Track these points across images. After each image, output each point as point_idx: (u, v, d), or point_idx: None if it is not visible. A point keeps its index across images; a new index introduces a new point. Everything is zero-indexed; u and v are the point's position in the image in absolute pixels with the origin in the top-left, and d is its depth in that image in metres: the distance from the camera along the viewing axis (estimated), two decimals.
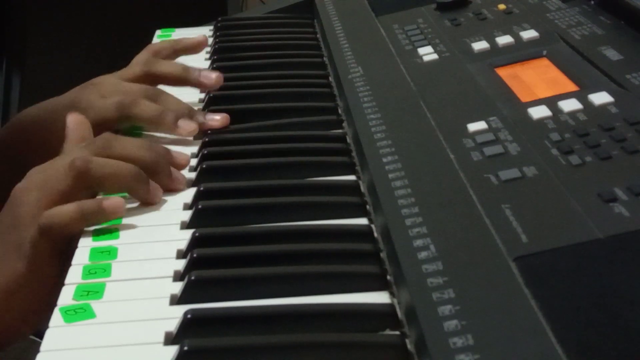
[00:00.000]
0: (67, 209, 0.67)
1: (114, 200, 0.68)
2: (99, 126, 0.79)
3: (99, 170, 0.69)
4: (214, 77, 0.90)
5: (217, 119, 0.84)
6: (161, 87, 0.89)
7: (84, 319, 0.57)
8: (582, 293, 0.50)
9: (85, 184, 0.69)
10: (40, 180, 0.70)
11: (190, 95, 0.93)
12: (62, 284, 0.62)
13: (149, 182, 0.72)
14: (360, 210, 0.69)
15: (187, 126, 0.83)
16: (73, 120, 0.77)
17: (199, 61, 1.05)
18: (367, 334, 0.56)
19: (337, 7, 1.10)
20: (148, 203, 0.72)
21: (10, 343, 0.71)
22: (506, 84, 0.77)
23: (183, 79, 0.90)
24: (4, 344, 0.70)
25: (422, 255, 0.56)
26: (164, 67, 0.90)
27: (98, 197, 0.71)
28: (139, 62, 0.89)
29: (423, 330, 0.50)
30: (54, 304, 0.59)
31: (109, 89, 0.85)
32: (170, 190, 0.74)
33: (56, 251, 0.67)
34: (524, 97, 0.73)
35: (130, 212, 0.71)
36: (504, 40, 0.86)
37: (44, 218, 0.66)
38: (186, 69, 0.90)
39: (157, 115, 0.82)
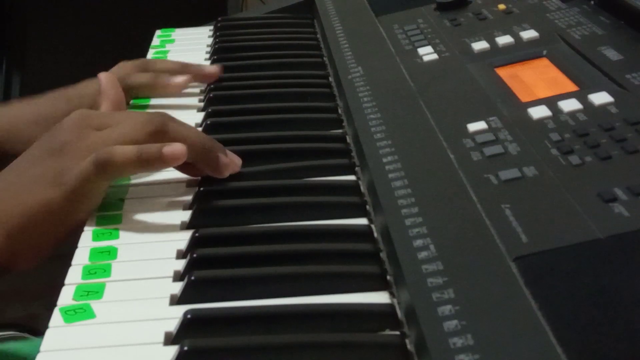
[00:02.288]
0: (128, 149, 0.66)
1: (174, 147, 0.67)
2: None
3: (176, 130, 0.69)
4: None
5: (211, 69, 0.95)
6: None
7: (83, 319, 0.57)
8: (582, 293, 0.50)
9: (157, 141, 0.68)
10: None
11: (190, 95, 0.93)
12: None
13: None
14: (360, 210, 0.69)
15: (178, 79, 0.91)
16: (106, 78, 0.81)
17: (199, 62, 1.05)
18: (367, 334, 0.56)
19: (337, 7, 1.10)
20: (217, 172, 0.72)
21: (17, 268, 0.68)
22: (506, 84, 0.77)
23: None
24: (12, 267, 0.68)
25: (422, 255, 0.56)
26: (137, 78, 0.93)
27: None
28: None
29: (423, 330, 0.50)
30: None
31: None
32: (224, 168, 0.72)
33: (98, 191, 0.68)
34: (524, 97, 0.73)
35: (130, 212, 0.71)
36: (504, 40, 0.86)
37: (103, 152, 0.66)
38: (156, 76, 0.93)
39: (152, 78, 0.91)
